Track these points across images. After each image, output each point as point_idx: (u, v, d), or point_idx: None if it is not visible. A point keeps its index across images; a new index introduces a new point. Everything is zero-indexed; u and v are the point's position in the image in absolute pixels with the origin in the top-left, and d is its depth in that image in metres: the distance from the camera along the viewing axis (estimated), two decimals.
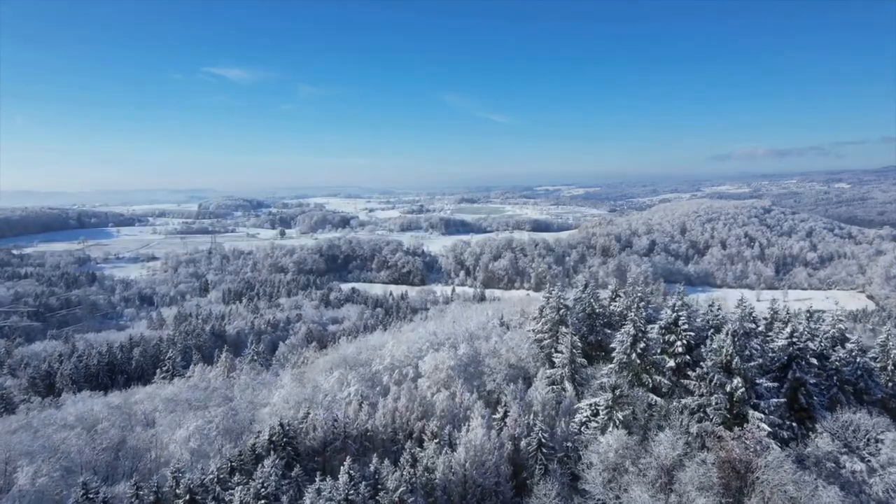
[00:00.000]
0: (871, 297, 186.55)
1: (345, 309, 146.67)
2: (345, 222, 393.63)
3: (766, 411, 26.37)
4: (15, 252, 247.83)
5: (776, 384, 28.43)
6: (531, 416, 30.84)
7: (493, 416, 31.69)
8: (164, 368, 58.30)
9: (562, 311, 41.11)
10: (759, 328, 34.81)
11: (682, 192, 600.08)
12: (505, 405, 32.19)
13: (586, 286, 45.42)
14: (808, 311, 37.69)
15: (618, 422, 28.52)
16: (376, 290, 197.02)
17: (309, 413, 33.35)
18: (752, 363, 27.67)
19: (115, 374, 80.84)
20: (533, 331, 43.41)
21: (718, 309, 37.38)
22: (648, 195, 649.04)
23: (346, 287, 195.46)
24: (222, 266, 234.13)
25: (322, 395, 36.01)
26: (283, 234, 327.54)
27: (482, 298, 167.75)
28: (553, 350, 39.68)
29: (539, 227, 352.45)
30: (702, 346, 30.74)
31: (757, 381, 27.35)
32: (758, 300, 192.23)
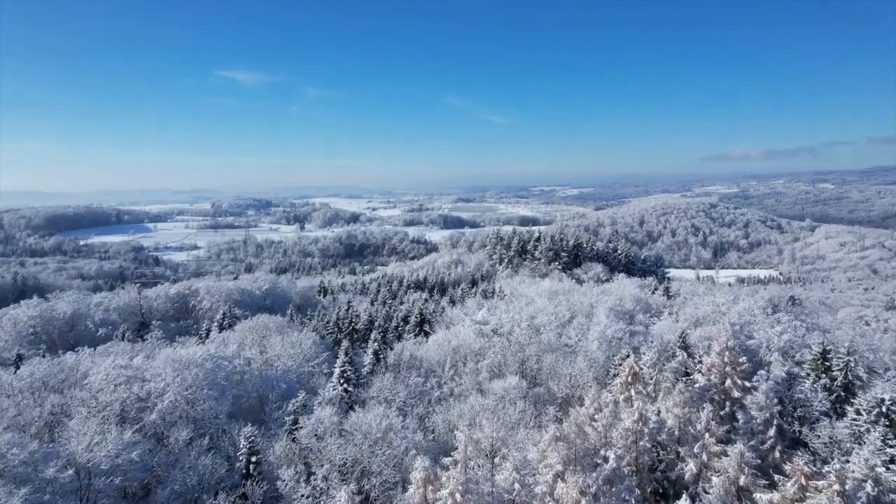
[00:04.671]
0: (781, 274, 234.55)
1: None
2: (354, 219, 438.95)
3: None
4: (81, 242, 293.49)
5: None
6: None
7: None
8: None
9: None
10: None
11: (672, 192, 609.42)
12: None
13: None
14: None
15: None
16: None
17: None
18: None
19: None
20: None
21: None
22: (640, 195, 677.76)
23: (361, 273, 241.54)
24: (258, 253, 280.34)
25: None
26: (302, 227, 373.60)
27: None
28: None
29: (526, 222, 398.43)
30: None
31: None
32: (697, 278, 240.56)
